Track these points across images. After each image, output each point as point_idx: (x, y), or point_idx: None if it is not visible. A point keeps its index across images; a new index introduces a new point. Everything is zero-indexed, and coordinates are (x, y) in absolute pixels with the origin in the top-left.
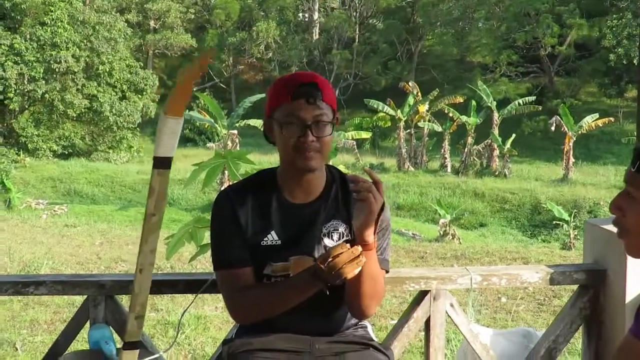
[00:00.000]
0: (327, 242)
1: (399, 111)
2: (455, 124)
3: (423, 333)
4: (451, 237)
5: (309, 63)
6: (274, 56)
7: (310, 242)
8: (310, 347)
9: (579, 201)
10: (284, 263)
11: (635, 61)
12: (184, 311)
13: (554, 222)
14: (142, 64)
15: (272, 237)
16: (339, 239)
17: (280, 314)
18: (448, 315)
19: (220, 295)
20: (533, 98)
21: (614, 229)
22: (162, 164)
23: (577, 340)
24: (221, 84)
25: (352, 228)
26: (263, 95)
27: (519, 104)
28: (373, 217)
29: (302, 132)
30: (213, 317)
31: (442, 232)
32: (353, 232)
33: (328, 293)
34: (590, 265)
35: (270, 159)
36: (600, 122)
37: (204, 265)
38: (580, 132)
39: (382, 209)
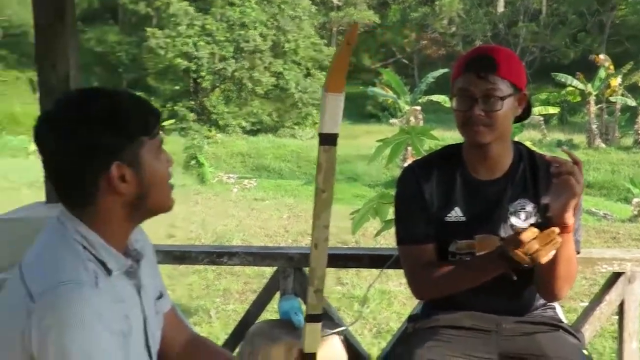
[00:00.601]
0: (514, 221)
1: (589, 85)
2: None
3: (616, 317)
4: None
5: (494, 37)
6: (457, 30)
7: (496, 221)
8: (497, 326)
9: None
10: (468, 241)
11: None
12: (370, 286)
13: None
14: (325, 41)
15: (456, 213)
16: (526, 218)
17: (467, 291)
18: None
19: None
20: None
21: None
22: (328, 140)
23: None
24: (404, 60)
25: (539, 207)
26: (446, 70)
27: None
28: (575, 200)
29: (469, 106)
30: (397, 293)
31: (636, 212)
32: (541, 211)
33: (515, 278)
34: None
35: (453, 135)
36: None
37: (388, 240)
38: None
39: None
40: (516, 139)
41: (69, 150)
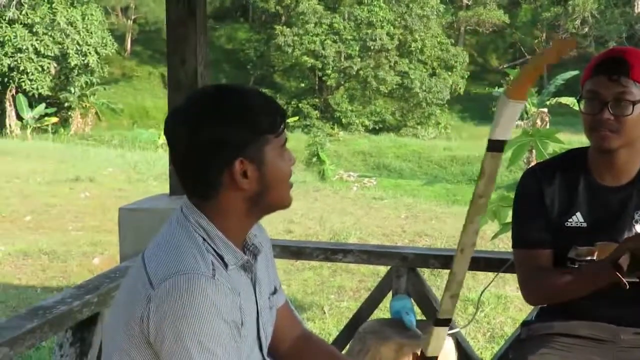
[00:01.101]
0: (639, 229)
1: None
2: None
3: None
4: None
5: (629, 38)
6: (590, 31)
7: (619, 229)
8: (615, 337)
9: None
10: (589, 247)
11: None
12: (484, 289)
13: None
14: (452, 41)
15: (578, 219)
16: None
17: (583, 298)
18: None
19: None
20: None
21: None
22: (496, 147)
23: None
24: None
25: None
26: (576, 72)
27: None
28: None
29: (598, 110)
30: (513, 298)
31: None
32: None
33: (627, 287)
34: None
35: (581, 139)
36: None
37: (506, 244)
38: None
39: None
40: None
41: (197, 144)
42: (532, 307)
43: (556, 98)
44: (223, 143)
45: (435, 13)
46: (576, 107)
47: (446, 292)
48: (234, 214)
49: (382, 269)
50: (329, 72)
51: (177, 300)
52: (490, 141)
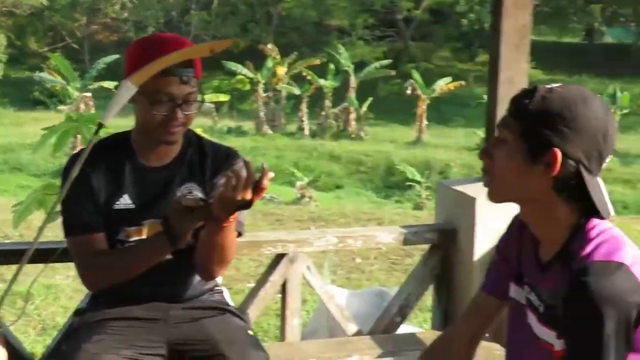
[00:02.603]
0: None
1: (257, 74)
2: (313, 87)
3: (279, 295)
4: (308, 200)
5: (166, 24)
6: (129, 16)
7: (164, 206)
8: (165, 314)
9: (430, 163)
10: (137, 227)
11: (486, 26)
12: (33, 281)
13: (407, 184)
14: None
15: (125, 201)
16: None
17: (133, 281)
18: (304, 277)
19: (71, 264)
20: (389, 62)
21: (465, 190)
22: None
23: (429, 298)
24: (74, 45)
25: (207, 191)
26: (118, 56)
27: (375, 67)
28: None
29: (170, 110)
30: (64, 286)
31: (299, 195)
32: (208, 188)
33: (172, 256)
34: (442, 225)
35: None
36: (452, 86)
37: (55, 232)
38: (433, 95)
39: (244, 205)
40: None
41: None
42: (85, 294)
43: (99, 82)
44: None
45: None
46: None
47: None
48: None
49: None
50: None
51: None
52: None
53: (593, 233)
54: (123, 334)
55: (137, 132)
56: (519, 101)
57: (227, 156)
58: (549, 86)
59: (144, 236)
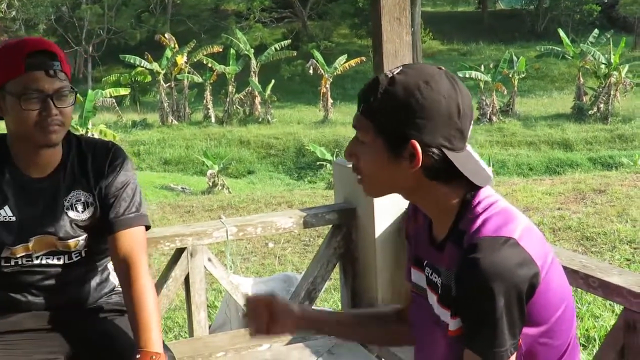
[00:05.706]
0: (72, 215)
1: (157, 65)
2: (215, 74)
3: (184, 291)
4: (221, 187)
5: (58, 20)
6: (18, 14)
7: (51, 219)
8: (62, 322)
9: (339, 141)
10: (24, 244)
11: None
12: None
13: (318, 163)
14: None
15: (6, 213)
16: (84, 209)
17: (25, 293)
18: (207, 270)
19: None
20: (288, 42)
21: None
22: None
23: (336, 277)
24: None
25: (95, 195)
26: None
27: (275, 49)
28: None
29: (43, 106)
30: None
31: (211, 183)
32: (99, 199)
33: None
34: (341, 205)
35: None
36: (352, 63)
37: None
38: (335, 73)
39: None
40: (90, 122)
41: None
42: None
43: None
44: None
45: None
46: None
47: None
48: None
49: None
50: None
51: None
52: None
53: (479, 208)
54: (17, 346)
55: (13, 140)
56: (365, 99)
57: (107, 151)
58: (390, 74)
59: (31, 252)
